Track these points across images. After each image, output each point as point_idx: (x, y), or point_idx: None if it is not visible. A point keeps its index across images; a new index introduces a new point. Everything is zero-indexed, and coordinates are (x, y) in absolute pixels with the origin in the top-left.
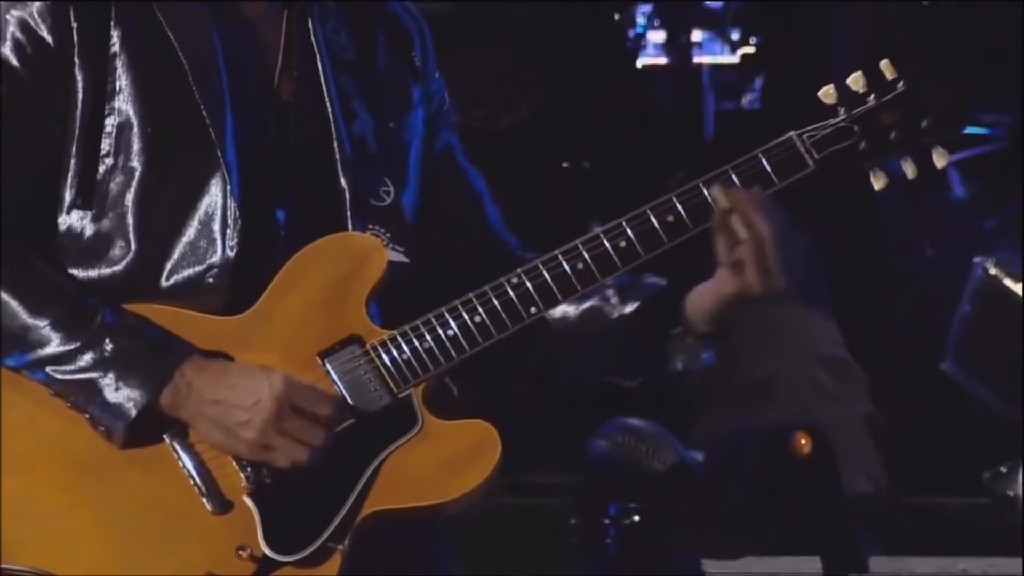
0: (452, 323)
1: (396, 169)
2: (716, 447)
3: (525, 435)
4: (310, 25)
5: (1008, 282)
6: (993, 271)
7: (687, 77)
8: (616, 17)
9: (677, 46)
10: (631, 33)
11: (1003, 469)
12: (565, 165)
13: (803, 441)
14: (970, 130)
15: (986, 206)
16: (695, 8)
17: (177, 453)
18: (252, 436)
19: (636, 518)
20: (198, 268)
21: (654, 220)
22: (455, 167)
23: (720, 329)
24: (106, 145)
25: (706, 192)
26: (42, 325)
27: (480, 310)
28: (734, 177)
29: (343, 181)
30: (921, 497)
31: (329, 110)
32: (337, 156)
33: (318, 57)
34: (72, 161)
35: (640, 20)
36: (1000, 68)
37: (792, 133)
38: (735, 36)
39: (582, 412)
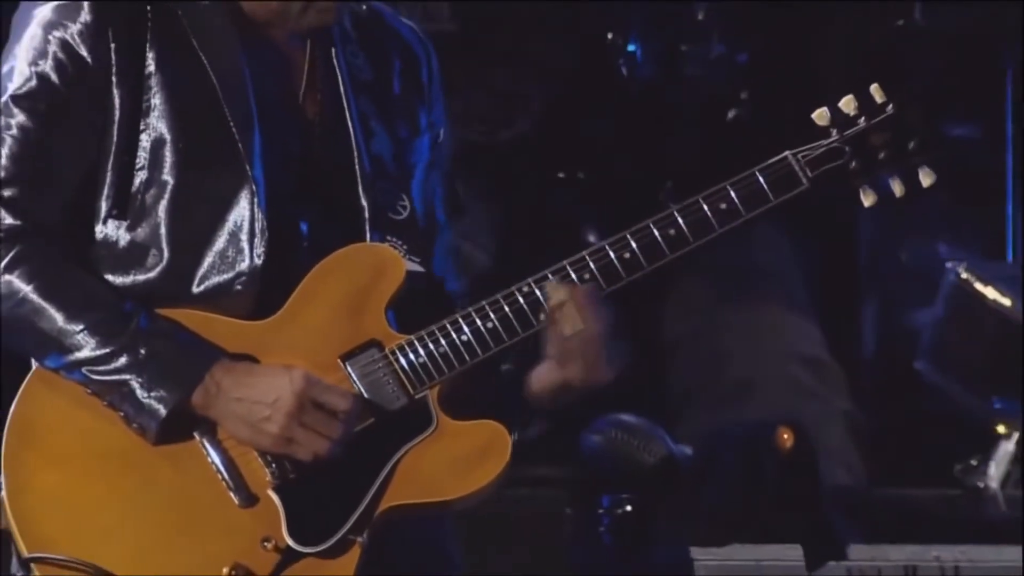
0: (466, 329)
1: (409, 186)
2: (703, 442)
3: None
4: (332, 49)
5: (978, 285)
6: (964, 275)
7: (677, 91)
8: (609, 36)
9: (666, 62)
10: (623, 50)
11: (973, 462)
12: (561, 175)
13: (785, 436)
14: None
15: (958, 214)
16: (683, 24)
17: (206, 449)
18: (275, 430)
19: (628, 508)
20: (227, 275)
21: (656, 233)
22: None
23: (551, 409)
24: (141, 159)
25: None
26: (78, 329)
27: (492, 317)
28: (732, 192)
29: (363, 195)
30: (896, 489)
31: (350, 129)
32: (357, 172)
33: (339, 79)
34: (108, 174)
35: (631, 41)
36: (973, 86)
37: (787, 152)
38: (721, 50)
39: (576, 408)
